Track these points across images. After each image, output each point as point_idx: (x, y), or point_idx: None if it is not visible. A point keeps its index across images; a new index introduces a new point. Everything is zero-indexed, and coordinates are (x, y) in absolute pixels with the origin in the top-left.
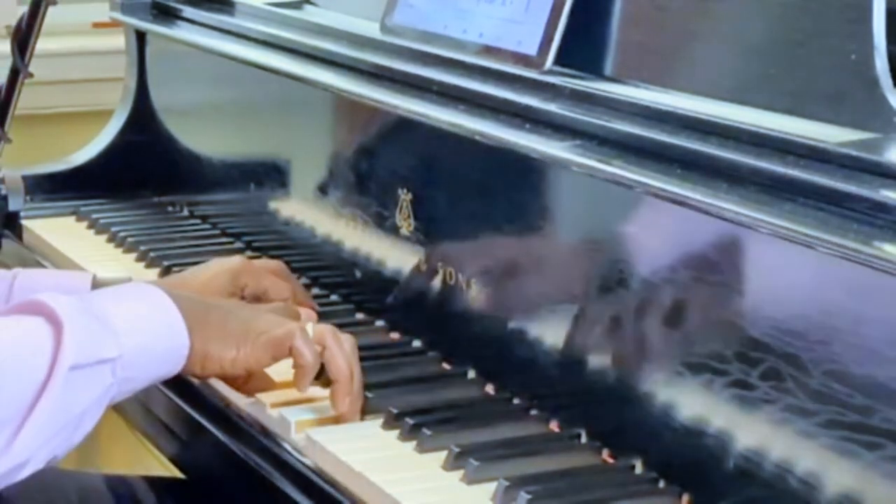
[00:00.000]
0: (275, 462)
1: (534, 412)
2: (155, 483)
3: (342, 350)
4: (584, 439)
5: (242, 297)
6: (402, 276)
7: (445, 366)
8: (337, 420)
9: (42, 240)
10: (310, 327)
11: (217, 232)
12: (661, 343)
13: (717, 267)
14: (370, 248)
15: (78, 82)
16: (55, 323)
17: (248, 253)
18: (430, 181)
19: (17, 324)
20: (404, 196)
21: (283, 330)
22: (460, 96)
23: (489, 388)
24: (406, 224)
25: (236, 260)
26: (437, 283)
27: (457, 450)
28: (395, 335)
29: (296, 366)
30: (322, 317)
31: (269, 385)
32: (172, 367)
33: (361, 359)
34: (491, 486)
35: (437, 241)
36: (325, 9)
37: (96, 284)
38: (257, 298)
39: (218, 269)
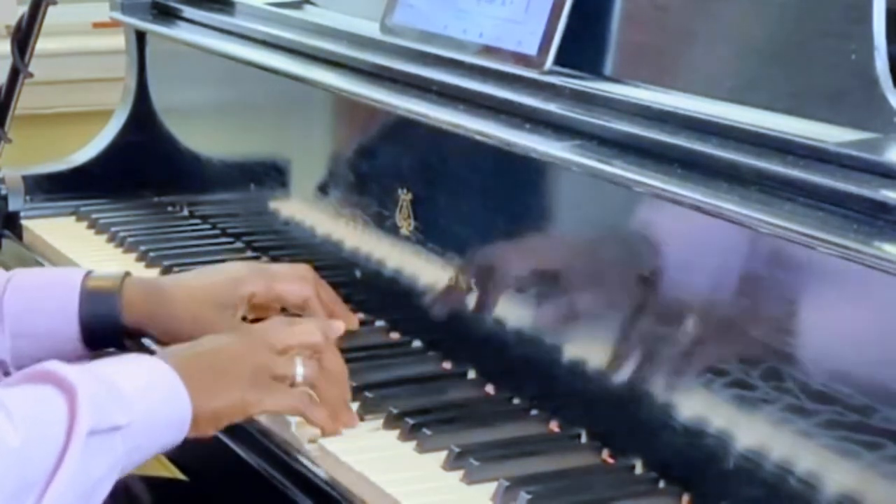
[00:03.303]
0: (275, 463)
1: (534, 412)
2: (155, 483)
3: (331, 387)
4: (584, 439)
5: (254, 306)
6: (402, 276)
7: (445, 366)
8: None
9: (42, 240)
10: (298, 363)
11: (217, 232)
12: (661, 343)
13: (716, 267)
14: (370, 248)
15: (78, 82)
16: (68, 390)
17: (249, 253)
18: (430, 181)
19: (29, 393)
20: (404, 196)
21: (287, 404)
22: (460, 96)
23: (489, 388)
24: (406, 224)
25: (241, 267)
26: (436, 283)
27: (457, 450)
28: (395, 335)
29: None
30: None
31: None
32: (178, 433)
33: (361, 359)
34: (491, 486)
35: (436, 241)
36: (325, 9)
37: (88, 281)
38: (266, 308)
39: (221, 276)
